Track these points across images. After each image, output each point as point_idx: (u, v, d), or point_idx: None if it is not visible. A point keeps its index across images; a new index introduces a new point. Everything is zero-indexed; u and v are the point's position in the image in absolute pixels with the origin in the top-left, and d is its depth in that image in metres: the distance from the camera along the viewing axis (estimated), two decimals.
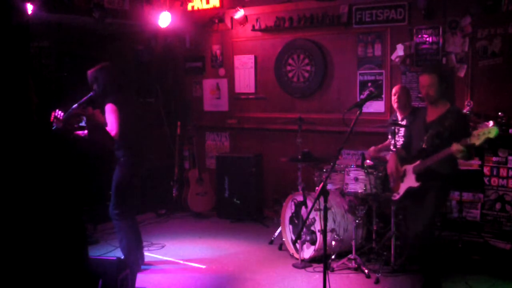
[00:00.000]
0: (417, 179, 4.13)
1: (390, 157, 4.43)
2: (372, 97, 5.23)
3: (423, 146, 4.10)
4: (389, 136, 5.42)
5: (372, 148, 5.51)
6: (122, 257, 4.91)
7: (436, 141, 4.02)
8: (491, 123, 3.57)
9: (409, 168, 4.21)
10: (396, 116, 5.40)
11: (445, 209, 5.77)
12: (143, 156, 5.16)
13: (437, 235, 5.51)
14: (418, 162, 4.13)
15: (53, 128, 3.86)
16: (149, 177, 7.09)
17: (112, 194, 4.92)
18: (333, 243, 5.17)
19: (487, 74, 5.61)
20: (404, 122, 5.23)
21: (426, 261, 4.14)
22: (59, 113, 4.15)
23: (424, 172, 4.08)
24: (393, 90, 5.42)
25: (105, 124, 4.54)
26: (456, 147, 3.75)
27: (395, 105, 5.40)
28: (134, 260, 4.98)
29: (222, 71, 7.62)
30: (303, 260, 5.20)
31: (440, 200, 4.22)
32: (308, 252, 5.23)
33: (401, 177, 4.30)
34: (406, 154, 4.36)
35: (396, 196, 4.38)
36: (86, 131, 2.52)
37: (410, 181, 4.20)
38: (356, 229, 5.16)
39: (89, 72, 4.87)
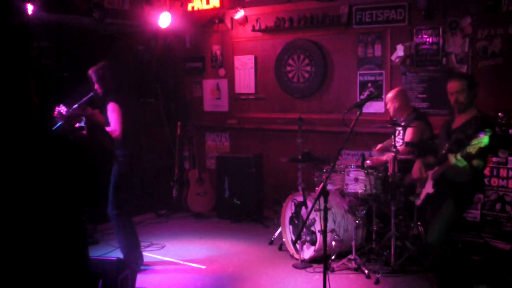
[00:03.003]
0: (434, 185, 4.09)
1: (416, 162, 4.35)
2: (372, 97, 5.21)
3: (443, 152, 4.01)
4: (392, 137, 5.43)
5: (379, 146, 5.49)
6: (122, 257, 4.93)
7: (453, 148, 3.90)
8: (482, 133, 3.54)
9: (430, 173, 4.16)
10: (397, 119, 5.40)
11: None
12: (141, 156, 5.16)
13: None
14: (436, 168, 4.08)
15: (53, 128, 3.86)
16: (149, 177, 7.09)
17: (110, 194, 4.92)
18: (333, 243, 5.17)
19: (487, 74, 5.61)
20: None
21: (441, 269, 4.08)
22: (62, 108, 4.15)
23: (440, 179, 4.03)
24: (386, 99, 5.41)
25: (105, 124, 4.55)
26: (451, 158, 3.73)
27: (391, 113, 5.40)
28: (134, 260, 4.98)
29: (222, 72, 7.63)
30: (303, 261, 5.20)
31: (457, 209, 4.06)
32: (308, 252, 5.23)
33: (425, 182, 4.24)
34: (433, 160, 4.25)
35: (418, 202, 4.34)
36: (85, 131, 2.52)
37: (428, 187, 4.16)
38: (356, 229, 5.16)
39: (92, 71, 4.85)
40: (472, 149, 3.55)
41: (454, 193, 3.99)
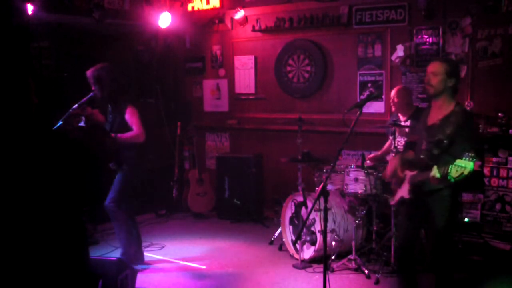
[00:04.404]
0: (410, 191, 3.78)
1: (391, 160, 4.14)
2: (372, 97, 5.19)
3: (422, 154, 3.74)
4: (390, 137, 5.42)
5: (371, 156, 5.49)
6: (122, 252, 4.94)
7: (434, 151, 3.64)
8: (466, 156, 3.25)
9: (408, 175, 3.83)
10: (397, 117, 5.39)
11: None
12: (143, 156, 5.17)
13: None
14: (415, 172, 3.75)
15: (53, 128, 3.86)
16: (149, 177, 7.08)
17: (114, 191, 4.91)
18: (333, 243, 5.17)
19: (487, 74, 5.61)
20: (408, 123, 5.23)
21: (442, 271, 3.84)
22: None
23: (419, 186, 3.71)
24: (391, 93, 5.42)
25: (104, 124, 4.55)
26: (433, 174, 3.42)
27: (392, 108, 5.42)
28: (133, 255, 4.98)
29: (222, 72, 7.63)
30: (303, 261, 5.20)
31: (449, 219, 3.76)
32: (308, 252, 5.23)
33: (401, 182, 3.93)
34: (414, 156, 3.96)
35: (392, 202, 4.13)
36: (85, 131, 2.52)
37: (403, 191, 3.85)
38: (356, 229, 5.16)
39: (89, 72, 4.85)
40: (454, 171, 3.26)
41: (440, 205, 3.71)
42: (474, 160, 3.22)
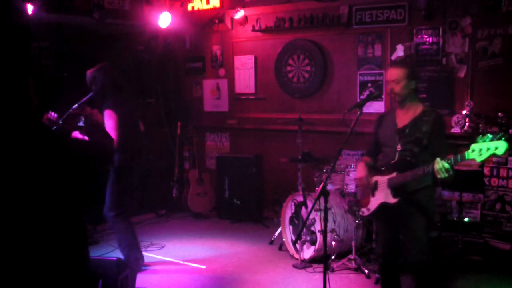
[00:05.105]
0: (395, 195, 3.59)
1: (359, 165, 3.96)
2: (372, 97, 5.16)
3: (398, 156, 3.60)
4: None
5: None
6: (123, 259, 4.92)
7: (415, 150, 3.54)
8: (498, 136, 3.07)
9: (382, 180, 3.68)
10: None
11: (445, 209, 5.78)
12: (141, 159, 5.12)
13: (437, 236, 5.52)
14: (394, 174, 3.59)
15: (52, 128, 3.85)
16: (149, 177, 7.08)
17: (106, 197, 4.89)
18: (333, 243, 5.17)
19: (487, 74, 5.62)
20: None
21: (424, 278, 3.72)
22: (52, 115, 4.12)
23: (402, 187, 3.57)
24: None
25: (103, 124, 4.55)
26: (440, 164, 3.25)
27: None
28: (135, 261, 4.98)
29: (222, 72, 7.63)
30: (303, 261, 5.20)
31: (430, 218, 3.70)
32: (308, 252, 5.23)
33: (372, 190, 3.77)
34: (373, 163, 3.87)
35: (365, 212, 3.85)
36: (85, 131, 2.52)
37: (384, 196, 3.66)
38: (356, 229, 5.16)
39: (88, 73, 4.86)
40: (477, 156, 3.09)
41: (427, 202, 3.64)
42: (504, 138, 3.06)
